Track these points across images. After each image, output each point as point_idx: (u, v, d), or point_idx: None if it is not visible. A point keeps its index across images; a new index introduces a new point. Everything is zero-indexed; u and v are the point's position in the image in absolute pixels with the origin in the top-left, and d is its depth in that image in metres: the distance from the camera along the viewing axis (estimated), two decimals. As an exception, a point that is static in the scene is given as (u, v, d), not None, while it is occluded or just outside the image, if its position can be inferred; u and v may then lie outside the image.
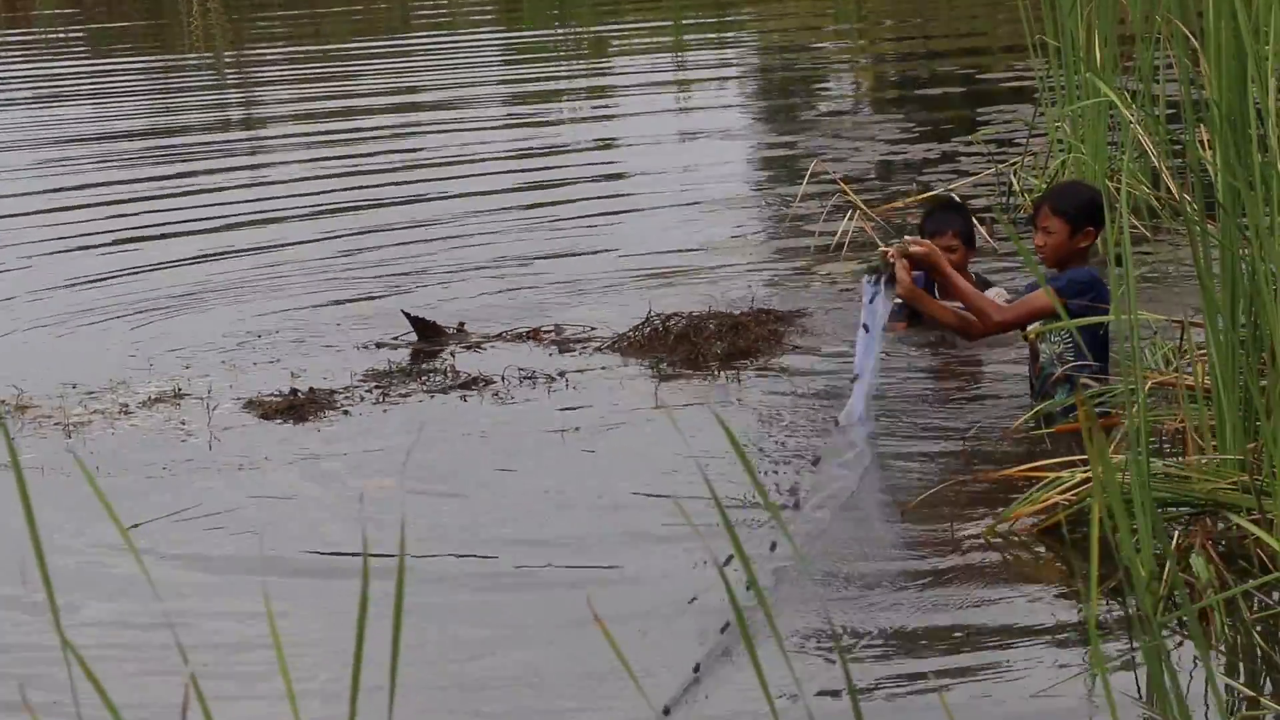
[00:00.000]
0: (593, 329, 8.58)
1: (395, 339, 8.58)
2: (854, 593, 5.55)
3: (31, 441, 7.28)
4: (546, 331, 8.60)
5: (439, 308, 9.11)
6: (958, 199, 10.21)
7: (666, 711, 4.75)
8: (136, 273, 10.35)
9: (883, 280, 6.87)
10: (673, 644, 5.18)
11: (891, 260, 6.89)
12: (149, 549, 6.10)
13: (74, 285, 10.03)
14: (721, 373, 7.93)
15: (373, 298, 9.53)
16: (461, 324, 8.67)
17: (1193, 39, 8.54)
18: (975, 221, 8.76)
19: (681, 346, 8.14)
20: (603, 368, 8.06)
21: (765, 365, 8.00)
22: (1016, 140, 12.39)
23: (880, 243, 8.61)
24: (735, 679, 4.96)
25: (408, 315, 8.61)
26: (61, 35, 27.62)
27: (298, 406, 7.57)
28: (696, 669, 4.96)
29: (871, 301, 6.86)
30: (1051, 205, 7.10)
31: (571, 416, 7.39)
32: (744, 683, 4.92)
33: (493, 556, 6.00)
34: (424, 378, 7.96)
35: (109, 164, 14.41)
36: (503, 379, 7.90)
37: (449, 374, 7.99)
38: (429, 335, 8.55)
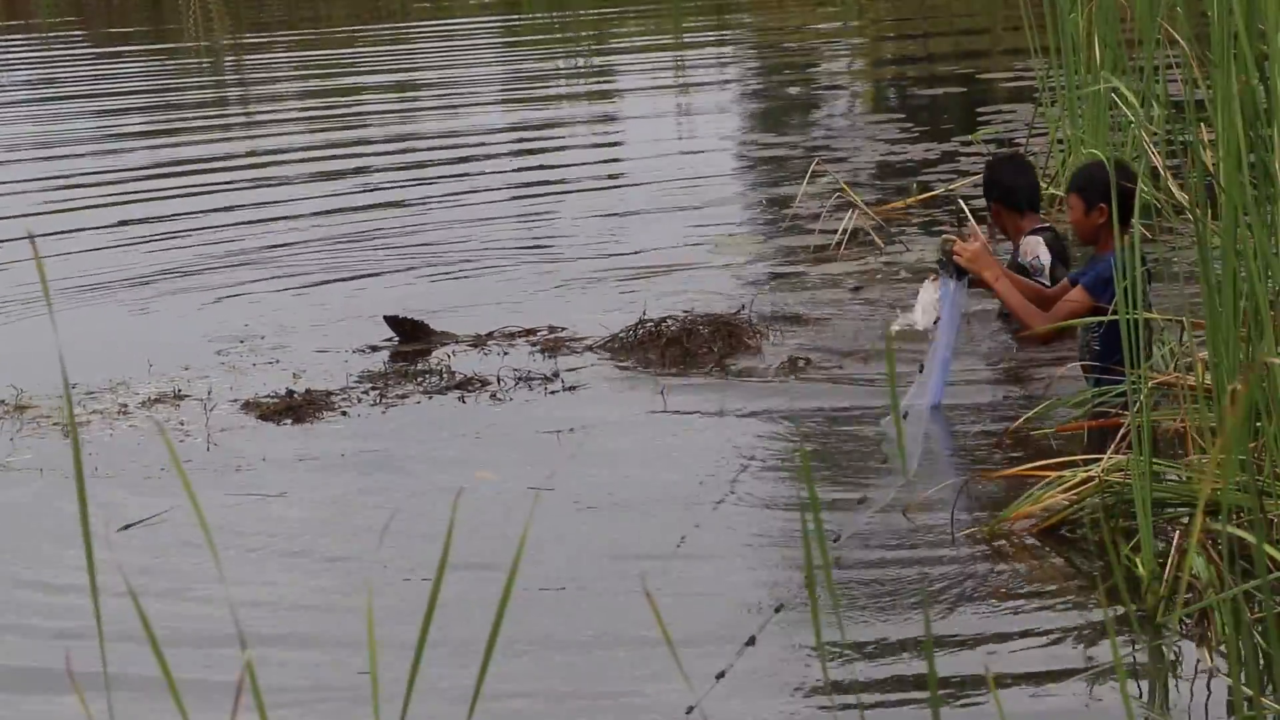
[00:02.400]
0: (573, 330, 8.57)
1: (389, 340, 8.57)
2: (854, 593, 5.54)
3: (31, 441, 7.28)
4: (540, 331, 8.59)
5: (434, 305, 9.10)
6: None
7: (689, 711, 4.74)
8: (134, 272, 10.34)
9: (952, 272, 7.19)
10: (683, 644, 5.16)
11: (951, 249, 7.25)
12: (144, 549, 6.10)
13: (71, 285, 10.02)
14: (718, 374, 7.91)
15: (370, 294, 9.53)
16: (425, 324, 8.62)
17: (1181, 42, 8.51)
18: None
19: (677, 348, 8.12)
20: (595, 367, 8.05)
21: (763, 366, 7.98)
22: (1016, 140, 12.38)
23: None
24: (755, 681, 4.96)
25: (388, 320, 8.59)
26: (61, 32, 27.62)
27: (296, 408, 7.57)
28: (720, 675, 4.95)
29: (949, 293, 7.15)
30: (1071, 183, 7.40)
31: (568, 417, 7.37)
32: (764, 682, 4.92)
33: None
34: (420, 379, 7.95)
35: (106, 159, 14.41)
36: (499, 380, 7.89)
37: (445, 375, 7.98)
38: (416, 336, 8.52)
